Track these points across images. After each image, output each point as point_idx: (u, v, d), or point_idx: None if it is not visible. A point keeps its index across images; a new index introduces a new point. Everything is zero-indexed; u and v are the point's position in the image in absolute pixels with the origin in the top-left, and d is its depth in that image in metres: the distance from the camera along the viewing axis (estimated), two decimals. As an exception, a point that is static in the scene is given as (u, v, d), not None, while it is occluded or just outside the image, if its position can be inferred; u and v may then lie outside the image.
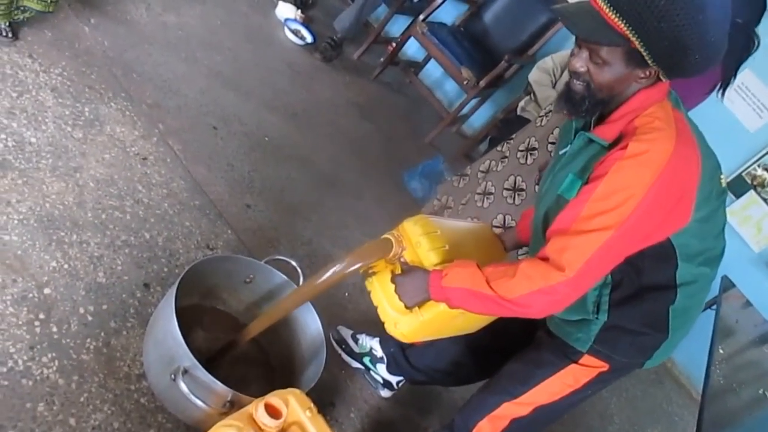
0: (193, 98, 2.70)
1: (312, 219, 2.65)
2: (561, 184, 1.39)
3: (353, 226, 2.78)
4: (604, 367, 1.51)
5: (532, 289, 1.28)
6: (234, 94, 2.93)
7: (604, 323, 1.45)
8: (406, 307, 1.50)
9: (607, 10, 1.20)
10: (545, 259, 1.29)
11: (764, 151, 3.61)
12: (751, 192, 3.69)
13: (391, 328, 1.56)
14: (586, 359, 1.50)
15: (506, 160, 2.65)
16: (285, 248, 2.32)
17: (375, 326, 2.19)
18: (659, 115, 1.27)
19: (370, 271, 1.59)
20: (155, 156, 2.29)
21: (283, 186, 2.69)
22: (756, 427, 2.34)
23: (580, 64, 1.30)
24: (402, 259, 1.54)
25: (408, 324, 1.52)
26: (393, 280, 1.52)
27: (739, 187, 3.68)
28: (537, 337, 1.63)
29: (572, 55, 1.32)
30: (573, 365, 1.51)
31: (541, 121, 2.57)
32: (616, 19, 1.19)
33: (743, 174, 3.69)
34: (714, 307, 3.00)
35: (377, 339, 2.18)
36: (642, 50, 1.22)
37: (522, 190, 2.51)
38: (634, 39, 1.20)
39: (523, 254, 2.38)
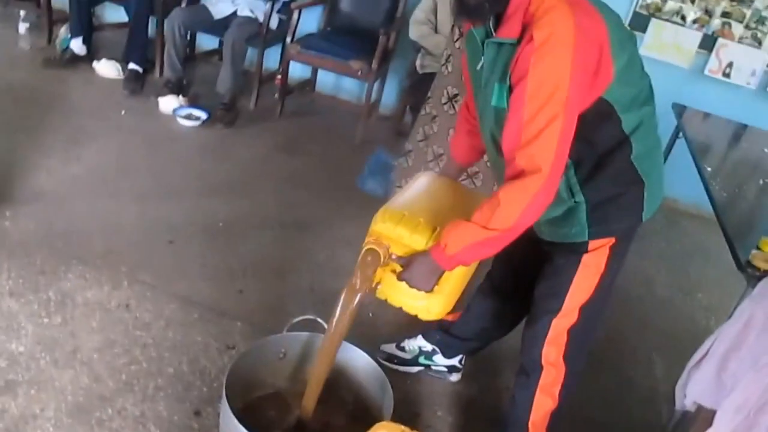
0: (136, 226, 2.69)
1: (302, 268, 2.67)
2: (491, 97, 1.42)
3: (343, 252, 2.79)
4: (611, 241, 1.56)
5: (523, 207, 1.35)
6: (169, 202, 2.92)
7: (586, 204, 1.50)
8: (427, 292, 1.53)
9: None
10: (519, 174, 1.34)
11: (643, -19, 3.74)
12: (653, 20, 3.80)
13: (426, 316, 1.60)
14: (593, 244, 1.55)
15: (436, 118, 2.69)
16: (295, 308, 2.32)
17: (410, 327, 2.25)
18: None
19: (374, 285, 1.61)
20: (135, 298, 2.28)
21: (260, 255, 2.69)
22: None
23: None
24: (394, 257, 1.56)
25: (438, 303, 1.57)
26: (401, 279, 1.54)
27: (641, 21, 3.79)
28: (543, 252, 1.67)
29: None
30: (585, 256, 1.56)
31: (447, 68, 2.62)
32: None
33: (637, 9, 3.80)
34: (680, 135, 3.09)
35: (419, 336, 2.21)
36: None
37: None
38: None
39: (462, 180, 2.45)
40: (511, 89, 1.35)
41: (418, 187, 1.75)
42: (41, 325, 2.07)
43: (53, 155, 3.06)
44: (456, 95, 2.56)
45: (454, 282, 1.57)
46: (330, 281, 2.59)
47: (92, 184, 2.93)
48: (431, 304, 1.58)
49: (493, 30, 1.41)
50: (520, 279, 1.86)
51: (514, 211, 1.35)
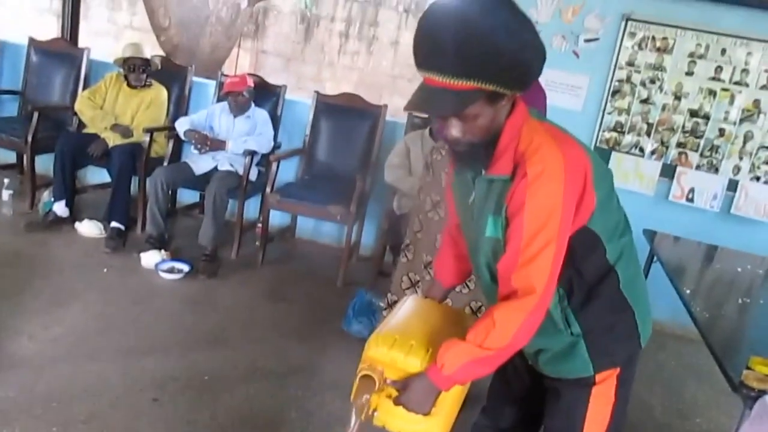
0: (120, 385, 2.62)
1: (293, 419, 2.59)
2: (485, 228, 1.48)
3: (332, 398, 2.73)
4: (616, 371, 1.57)
5: (518, 326, 1.38)
6: (152, 358, 2.87)
7: (584, 337, 1.52)
8: (425, 414, 1.52)
9: (454, 81, 1.28)
10: (512, 294, 1.38)
11: (597, 119, 4.05)
12: (614, 153, 4.05)
13: None
14: (599, 377, 1.56)
15: (419, 234, 2.76)
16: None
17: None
18: (534, 134, 1.39)
19: (371, 413, 1.58)
20: (120, 462, 2.19)
21: (249, 408, 2.62)
22: (757, 332, 2.45)
23: (456, 132, 1.39)
24: (389, 381, 1.55)
25: (436, 425, 1.56)
26: (398, 403, 1.53)
27: (603, 155, 4.02)
28: (549, 389, 1.67)
29: (441, 126, 1.41)
30: (594, 388, 1.56)
31: (428, 176, 2.72)
32: (466, 83, 1.28)
33: (598, 144, 4.04)
34: (655, 260, 3.18)
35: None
36: (497, 89, 1.32)
37: None
38: (487, 86, 1.30)
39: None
40: (506, 220, 1.42)
41: (406, 310, 1.77)
42: (20, 501, 1.96)
43: (35, 319, 3.03)
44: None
45: (450, 402, 1.56)
46: (321, 430, 2.52)
47: (74, 345, 2.88)
48: (430, 427, 1.56)
49: (484, 168, 1.48)
50: (522, 413, 1.84)
51: (509, 330, 1.38)
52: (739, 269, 3.15)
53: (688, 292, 2.49)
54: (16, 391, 2.49)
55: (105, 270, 3.71)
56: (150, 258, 3.82)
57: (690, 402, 3.36)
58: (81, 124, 4.42)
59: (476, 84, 1.28)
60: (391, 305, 2.79)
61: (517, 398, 1.84)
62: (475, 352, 1.41)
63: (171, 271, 3.77)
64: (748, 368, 1.84)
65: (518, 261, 1.37)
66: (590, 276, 1.50)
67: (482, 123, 1.37)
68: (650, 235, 3.40)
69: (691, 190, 3.96)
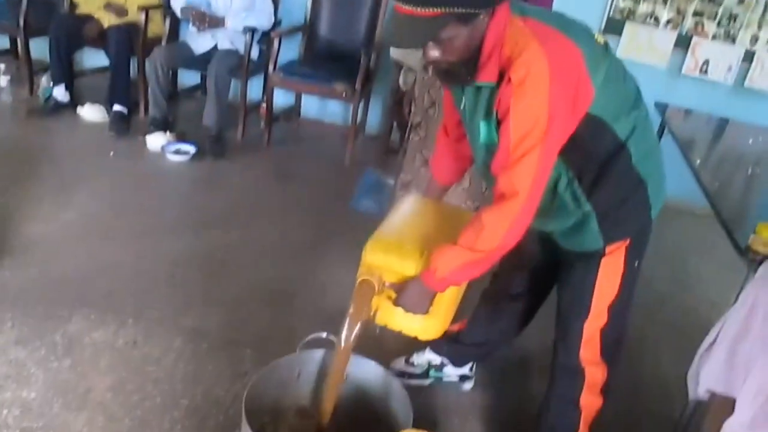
0: (136, 264, 2.69)
1: (305, 291, 2.67)
2: (479, 134, 1.51)
3: (343, 272, 2.78)
4: (626, 242, 1.59)
5: (505, 229, 1.42)
6: (166, 238, 2.92)
7: (596, 213, 1.53)
8: (423, 314, 1.60)
9: (420, 9, 1.28)
10: (500, 197, 1.41)
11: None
12: (627, 23, 3.89)
13: (425, 336, 1.68)
14: (609, 249, 1.59)
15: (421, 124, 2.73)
16: (303, 330, 2.30)
17: (417, 341, 2.25)
18: (517, 36, 1.35)
19: (373, 313, 1.66)
20: (141, 334, 2.28)
21: (262, 282, 2.70)
22: (765, 200, 2.45)
23: (434, 54, 1.38)
24: (387, 284, 1.61)
25: (434, 323, 1.64)
26: (396, 304, 1.60)
27: (616, 25, 3.87)
28: (558, 257, 1.70)
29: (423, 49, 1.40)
30: (603, 259, 1.59)
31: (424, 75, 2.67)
32: (433, 10, 1.28)
33: (611, 15, 3.88)
34: (666, 133, 3.15)
35: (427, 349, 2.22)
36: (466, 10, 1.30)
37: None
38: (454, 9, 1.29)
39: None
40: (498, 123, 1.41)
41: (403, 212, 1.82)
42: (51, 370, 2.06)
43: (45, 204, 3.06)
44: (433, 103, 2.61)
45: (448, 301, 1.63)
46: (334, 301, 2.59)
47: (87, 228, 2.93)
48: (428, 325, 1.64)
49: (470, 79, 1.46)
50: (533, 281, 1.90)
51: (497, 233, 1.42)
52: (750, 141, 3.12)
53: (698, 162, 2.48)
54: (36, 272, 2.55)
55: (111, 154, 3.70)
56: (155, 140, 3.80)
57: (692, 274, 3.44)
58: (73, 5, 4.25)
59: (443, 10, 1.28)
60: (405, 185, 2.79)
61: (528, 267, 1.88)
62: (466, 255, 1.45)
63: (177, 153, 3.76)
64: (754, 233, 1.86)
65: (506, 164, 1.38)
66: (601, 156, 1.49)
67: (459, 43, 1.35)
68: (661, 108, 3.34)
69: (706, 62, 3.85)
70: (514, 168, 1.36)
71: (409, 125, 2.81)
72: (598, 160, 1.49)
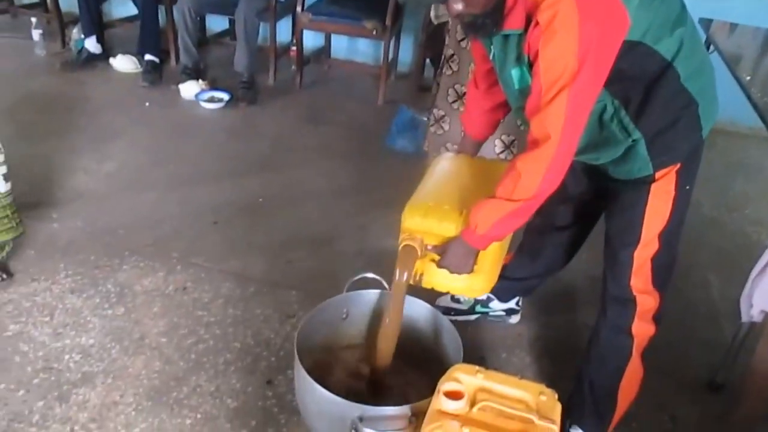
0: (179, 212, 2.73)
1: (347, 233, 2.69)
2: (513, 81, 1.46)
3: (384, 213, 2.79)
4: (676, 166, 1.53)
5: (541, 174, 1.37)
6: (206, 186, 2.95)
7: (645, 139, 1.48)
8: (468, 274, 1.58)
9: None
10: (533, 142, 1.37)
11: None
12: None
13: (473, 294, 1.71)
14: (659, 174, 1.53)
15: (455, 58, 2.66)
16: (346, 272, 2.32)
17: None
18: None
19: (417, 276, 1.65)
20: (190, 280, 2.33)
21: (303, 226, 2.72)
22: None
23: (457, 6, 1.34)
24: (430, 248, 1.60)
25: (481, 280, 1.63)
26: (440, 266, 1.58)
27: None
28: (606, 186, 1.66)
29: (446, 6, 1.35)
30: (653, 185, 1.54)
31: (451, 67, 2.60)
32: None
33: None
34: (711, 50, 3.01)
35: (473, 284, 2.22)
36: None
37: None
38: None
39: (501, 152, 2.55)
40: (530, 66, 1.37)
41: (438, 172, 1.79)
42: (106, 317, 2.13)
43: (86, 155, 3.11)
44: (465, 93, 2.54)
45: (492, 256, 1.61)
46: (376, 242, 2.61)
47: (129, 178, 2.97)
48: (475, 283, 1.63)
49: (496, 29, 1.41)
50: (578, 211, 1.87)
51: (534, 179, 1.38)
52: (802, 54, 2.97)
53: (747, 78, 2.37)
54: (83, 221, 2.61)
55: (147, 104, 3.72)
56: (188, 89, 3.80)
57: (739, 196, 3.35)
58: (96, -46, 4.21)
59: None
60: (438, 120, 2.74)
61: (573, 197, 1.84)
62: (505, 207, 1.42)
63: (211, 100, 3.76)
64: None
65: (538, 108, 1.34)
66: (646, 79, 1.42)
67: None
68: (706, 24, 3.19)
69: (753, -27, 3.64)
70: (545, 111, 1.32)
71: (442, 58, 2.74)
72: (643, 83, 1.43)
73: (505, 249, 1.73)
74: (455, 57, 2.67)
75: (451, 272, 1.58)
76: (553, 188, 1.41)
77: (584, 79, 1.30)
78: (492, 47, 1.49)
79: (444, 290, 1.68)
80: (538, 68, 1.31)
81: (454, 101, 2.71)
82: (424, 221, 1.58)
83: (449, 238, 1.56)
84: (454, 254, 1.55)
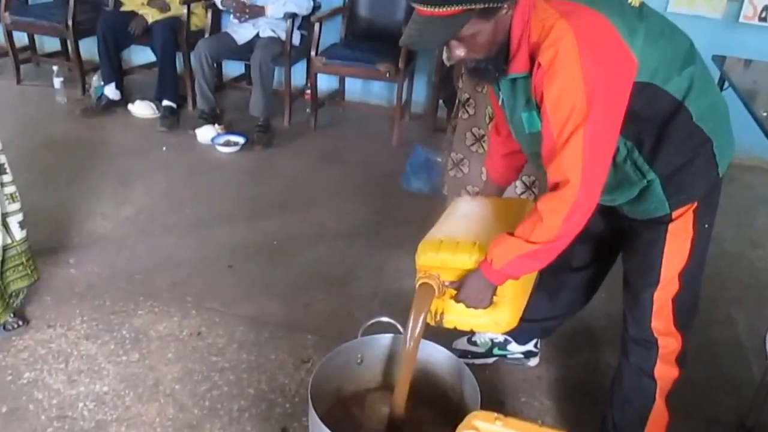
0: (195, 256, 2.73)
1: (362, 275, 2.67)
2: (523, 125, 1.46)
3: (399, 253, 2.78)
4: (693, 205, 1.51)
5: (563, 217, 1.35)
6: (223, 228, 2.96)
7: (660, 179, 1.46)
8: (486, 307, 1.55)
9: (439, 9, 1.23)
10: (554, 187, 1.35)
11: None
12: (675, -26, 3.72)
13: (498, 329, 1.65)
14: (676, 213, 1.51)
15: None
16: (362, 314, 2.32)
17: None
18: (543, 18, 1.29)
19: (438, 316, 1.62)
20: (205, 325, 2.31)
21: (319, 268, 2.71)
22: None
23: (458, 53, 1.34)
24: (447, 284, 1.57)
25: (504, 314, 1.59)
26: (458, 301, 1.56)
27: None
28: (624, 227, 1.64)
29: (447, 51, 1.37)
30: (671, 225, 1.51)
31: (468, 111, 2.61)
32: (452, 8, 1.23)
33: (659, -33, 3.72)
34: (726, 86, 3.01)
35: (489, 327, 2.18)
36: (486, 4, 1.25)
37: None
38: (474, 5, 1.24)
39: (522, 193, 2.51)
40: (539, 110, 1.36)
41: (454, 213, 1.78)
42: (120, 364, 2.12)
43: (105, 200, 3.14)
44: (483, 136, 2.55)
45: (513, 289, 1.56)
46: (391, 284, 2.59)
47: (146, 222, 2.99)
48: (498, 317, 1.59)
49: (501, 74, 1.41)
50: (595, 252, 1.84)
51: (555, 223, 1.36)
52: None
53: (765, 115, 2.35)
54: (100, 266, 2.62)
55: (164, 148, 3.77)
56: (205, 133, 3.85)
57: (762, 231, 3.30)
58: (117, 2, 4.33)
59: (462, 7, 1.23)
60: (457, 164, 2.73)
61: (590, 237, 1.81)
62: (523, 247, 1.40)
63: (227, 144, 3.79)
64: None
65: (553, 153, 1.33)
66: (659, 120, 1.41)
67: (483, 39, 1.31)
68: (720, 61, 3.19)
69: (765, 8, 3.64)
70: (561, 155, 1.31)
71: (458, 102, 2.74)
72: (656, 123, 1.41)
73: (531, 281, 1.70)
74: (471, 101, 2.67)
75: (468, 306, 1.55)
76: (575, 232, 1.39)
77: (597, 119, 1.28)
78: (500, 93, 1.49)
79: (467, 328, 1.64)
80: (546, 111, 1.30)
81: (472, 144, 2.70)
82: (438, 255, 1.55)
83: (466, 271, 1.53)
84: (471, 286, 1.52)
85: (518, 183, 2.59)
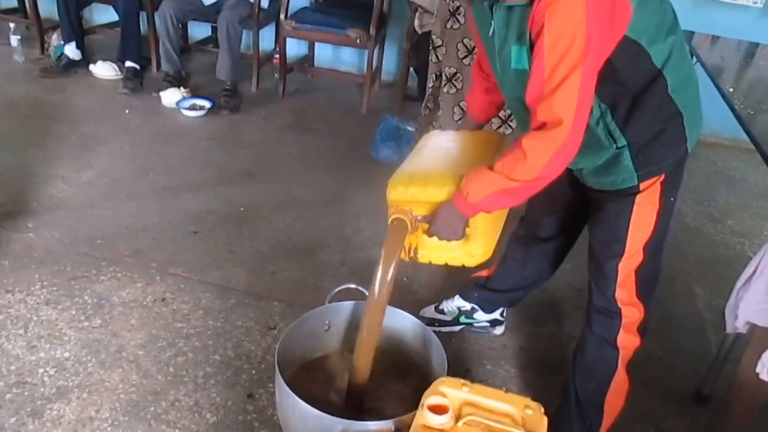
0: (160, 221, 2.68)
1: (330, 243, 2.65)
2: (510, 60, 1.40)
3: (368, 222, 2.78)
4: (660, 177, 1.52)
5: (548, 158, 1.33)
6: (188, 194, 2.91)
7: (629, 148, 1.46)
8: (459, 240, 1.54)
9: None
10: (542, 125, 1.32)
11: None
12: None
13: (472, 261, 1.62)
14: (643, 185, 1.51)
15: (458, 74, 2.64)
16: (330, 283, 2.31)
17: (446, 288, 2.25)
18: None
19: (412, 252, 1.61)
20: (169, 291, 2.28)
21: (286, 236, 2.68)
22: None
23: None
24: (419, 218, 1.56)
25: (477, 246, 1.58)
26: (429, 234, 1.55)
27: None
28: (590, 198, 1.65)
29: None
30: (638, 196, 1.52)
31: (456, 22, 2.57)
32: None
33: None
34: (694, 62, 3.03)
35: (457, 296, 2.20)
36: None
37: None
38: None
39: (498, 127, 2.45)
40: (531, 48, 1.32)
41: (424, 148, 1.75)
42: (82, 329, 2.07)
43: (65, 163, 3.05)
44: (474, 47, 2.50)
45: (486, 222, 1.55)
46: (360, 253, 2.58)
47: (108, 187, 2.92)
48: (471, 249, 1.58)
49: None
50: (563, 223, 1.85)
51: (539, 162, 1.34)
52: (784, 66, 3.00)
53: (730, 90, 2.38)
54: (61, 231, 2.55)
55: (127, 111, 3.67)
56: (170, 96, 3.76)
57: (722, 207, 3.37)
58: (79, -40, 4.16)
59: None
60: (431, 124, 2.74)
61: (557, 208, 1.83)
62: (502, 183, 1.39)
63: (193, 108, 3.71)
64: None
65: (543, 91, 1.28)
66: (635, 85, 1.40)
67: None
68: (688, 36, 3.21)
69: (734, -15, 3.68)
70: (554, 95, 1.27)
71: (443, 77, 2.71)
72: (633, 89, 1.41)
73: (503, 215, 1.68)
74: (458, 75, 2.65)
75: (441, 239, 1.54)
76: (556, 174, 1.38)
77: (592, 60, 1.26)
78: (492, 23, 1.43)
79: (441, 262, 1.62)
80: (542, 47, 1.26)
81: (459, 119, 2.69)
82: (408, 189, 1.53)
83: (438, 204, 1.52)
84: (442, 219, 1.51)
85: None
